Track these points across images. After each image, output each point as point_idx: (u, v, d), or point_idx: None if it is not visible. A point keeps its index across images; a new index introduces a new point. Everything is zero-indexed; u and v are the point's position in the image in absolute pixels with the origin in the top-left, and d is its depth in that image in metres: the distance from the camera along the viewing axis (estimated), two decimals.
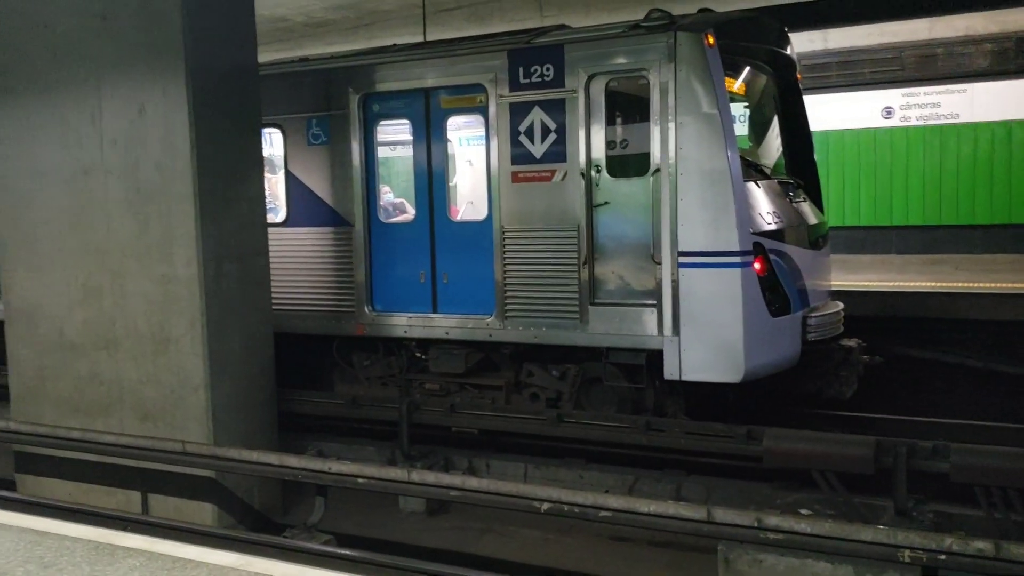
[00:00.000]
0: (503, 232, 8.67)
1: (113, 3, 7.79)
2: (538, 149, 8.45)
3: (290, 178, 9.78)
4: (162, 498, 8.14)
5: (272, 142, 9.97)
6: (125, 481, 8.21)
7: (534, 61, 8.41)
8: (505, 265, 8.69)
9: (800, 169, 9.58)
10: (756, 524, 5.73)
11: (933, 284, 12.20)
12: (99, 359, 8.26)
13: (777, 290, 8.13)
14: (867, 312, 10.62)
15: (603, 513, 6.21)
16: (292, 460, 7.28)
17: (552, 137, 8.37)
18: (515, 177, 8.58)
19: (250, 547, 6.20)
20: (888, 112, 16.86)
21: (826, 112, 16.29)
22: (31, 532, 5.01)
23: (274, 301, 8.75)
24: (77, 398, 8.43)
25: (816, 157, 9.85)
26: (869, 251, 16.85)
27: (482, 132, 8.91)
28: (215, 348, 7.82)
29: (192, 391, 7.84)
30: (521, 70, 8.47)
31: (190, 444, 7.54)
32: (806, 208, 9.18)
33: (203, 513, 7.95)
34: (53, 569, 4.47)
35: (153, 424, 8.03)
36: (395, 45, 10.51)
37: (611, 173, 8.27)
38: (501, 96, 8.58)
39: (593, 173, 8.27)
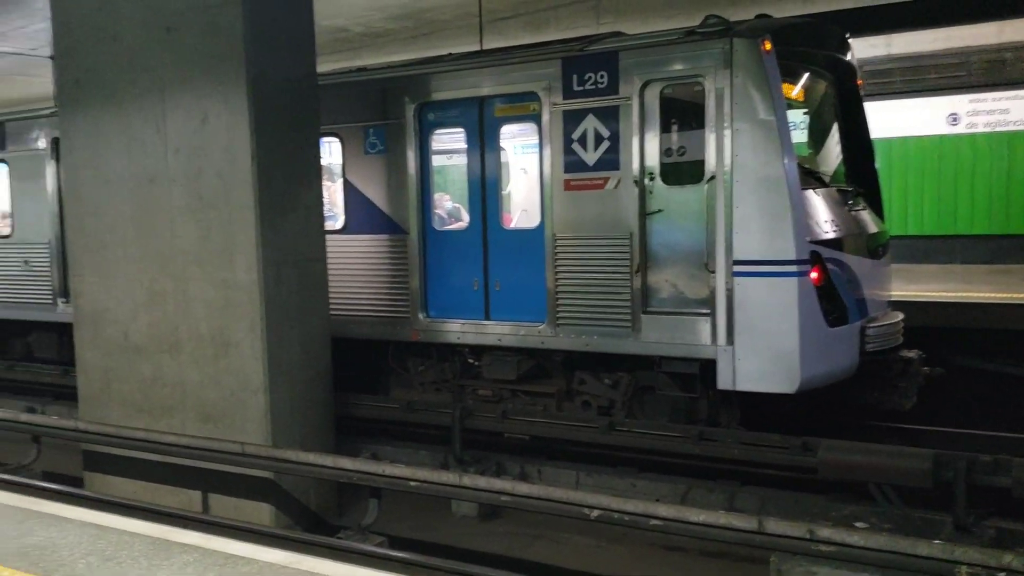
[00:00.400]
0: (555, 240, 8.70)
1: (178, 15, 7.99)
2: (591, 157, 8.47)
3: (348, 186, 9.94)
4: (222, 498, 8.31)
5: (331, 151, 10.15)
6: (187, 480, 8.40)
7: (588, 68, 8.43)
8: (557, 273, 8.71)
9: (860, 177, 9.43)
10: (808, 536, 5.67)
11: (997, 295, 11.90)
12: (162, 362, 8.47)
13: (834, 299, 8.02)
14: (928, 323, 10.40)
15: (653, 522, 6.21)
16: (346, 462, 7.40)
17: (605, 144, 8.38)
18: (568, 185, 8.60)
19: (303, 546, 6.31)
20: (954, 119, 16.49)
21: (889, 119, 16.00)
22: (93, 526, 5.19)
23: (332, 307, 8.88)
24: (141, 399, 8.64)
25: (878, 165, 9.69)
26: (933, 260, 16.50)
27: (535, 140, 8.94)
28: (274, 352, 7.97)
29: (251, 394, 8.00)
30: (575, 78, 8.49)
31: (249, 445, 7.71)
32: (866, 216, 9.04)
33: (261, 513, 8.10)
34: (113, 562, 4.64)
35: (214, 425, 8.20)
36: (450, 54, 10.63)
37: (665, 180, 8.24)
38: (554, 104, 8.61)
39: (646, 180, 8.26)
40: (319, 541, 6.98)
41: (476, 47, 13.48)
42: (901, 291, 10.98)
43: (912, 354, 8.53)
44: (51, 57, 16.93)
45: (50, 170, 12.18)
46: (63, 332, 12.30)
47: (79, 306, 9.02)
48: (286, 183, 8.11)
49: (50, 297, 12.32)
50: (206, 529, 6.03)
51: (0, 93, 21.20)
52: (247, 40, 7.70)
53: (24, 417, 9.67)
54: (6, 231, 13.00)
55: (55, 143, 12.06)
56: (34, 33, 15.34)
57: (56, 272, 12.19)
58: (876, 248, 8.97)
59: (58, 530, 5.19)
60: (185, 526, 6.06)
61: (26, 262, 12.50)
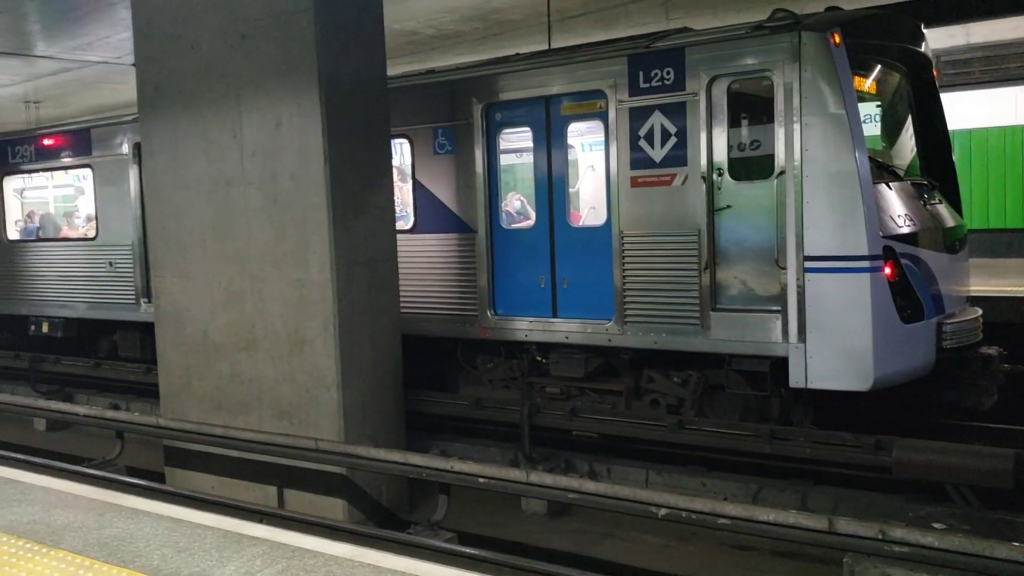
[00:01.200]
0: (622, 237, 8.69)
1: (252, 23, 8.18)
2: (658, 153, 8.44)
3: (417, 186, 10.08)
4: (297, 493, 8.49)
5: (401, 152, 10.30)
6: (263, 476, 8.60)
7: (654, 65, 8.41)
8: (624, 270, 8.70)
9: (937, 170, 9.22)
10: (880, 536, 5.57)
11: None
12: (240, 359, 8.68)
13: (909, 295, 7.86)
14: (1010, 319, 10.10)
15: (721, 520, 6.16)
16: (416, 458, 7.51)
17: (672, 141, 8.34)
18: (634, 182, 8.58)
19: (370, 541, 6.43)
20: None
21: (968, 110, 15.54)
22: (168, 519, 5.39)
23: (402, 305, 9.02)
24: (219, 396, 8.87)
25: (956, 157, 9.45)
26: (1016, 254, 15.97)
27: (602, 137, 8.95)
28: (346, 349, 8.12)
29: (325, 390, 8.16)
30: (641, 74, 8.48)
31: (322, 441, 7.87)
32: (942, 210, 8.83)
33: (335, 509, 8.25)
34: (186, 554, 4.81)
35: (289, 422, 8.38)
36: (517, 54, 10.68)
37: (733, 176, 8.17)
38: (621, 101, 8.60)
39: (715, 176, 8.20)
40: (387, 536, 7.11)
41: (545, 45, 13.51)
42: (981, 286, 10.67)
43: (992, 351, 8.31)
44: (133, 65, 17.52)
45: (132, 174, 12.59)
46: (145, 331, 12.73)
47: (160, 306, 9.28)
48: (358, 184, 8.25)
49: (133, 297, 12.74)
50: (276, 523, 6.21)
51: (87, 100, 21.95)
52: (319, 45, 7.85)
53: (109, 414, 10.01)
54: (91, 234, 13.49)
55: (137, 148, 12.45)
56: (118, 43, 15.81)
57: (139, 273, 12.59)
58: (953, 242, 8.76)
59: (135, 522, 5.39)
60: (260, 520, 6.26)
61: (111, 264, 12.95)
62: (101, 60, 17.35)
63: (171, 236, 9.12)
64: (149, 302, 12.34)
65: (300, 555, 4.68)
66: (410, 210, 10.22)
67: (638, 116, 8.50)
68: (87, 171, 13.44)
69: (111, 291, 13.01)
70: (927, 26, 9.29)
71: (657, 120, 8.40)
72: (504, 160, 9.87)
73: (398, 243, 8.90)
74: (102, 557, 4.78)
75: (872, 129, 9.24)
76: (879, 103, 9.32)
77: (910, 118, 9.21)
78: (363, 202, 8.33)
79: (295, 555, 4.68)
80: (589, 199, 10.21)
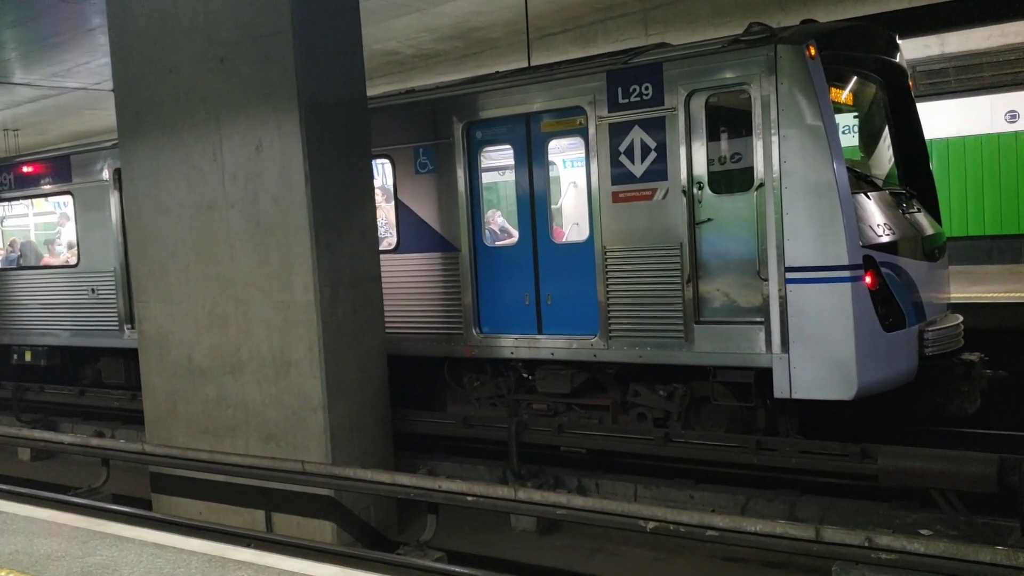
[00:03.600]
0: (605, 252, 8.72)
1: (231, 46, 8.19)
2: (638, 168, 8.48)
3: (400, 206, 10.09)
4: (285, 516, 8.45)
5: (383, 172, 10.32)
6: (251, 500, 8.56)
7: (632, 81, 8.46)
8: (608, 285, 8.73)
9: (915, 179, 9.31)
10: (867, 544, 5.61)
11: None
12: (225, 383, 8.64)
13: (890, 304, 7.92)
14: (991, 325, 10.19)
15: (709, 532, 6.19)
16: (404, 478, 7.50)
17: (652, 156, 8.39)
18: (616, 197, 8.62)
19: (358, 562, 6.41)
20: (1012, 116, 16.11)
21: (944, 119, 15.72)
22: (152, 545, 5.37)
23: (387, 325, 9.01)
24: (206, 420, 8.82)
25: (934, 165, 9.54)
26: (996, 261, 16.11)
27: (582, 154, 8.99)
28: (332, 370, 8.10)
29: (311, 412, 8.13)
30: (620, 90, 8.53)
31: (308, 464, 7.84)
32: (921, 219, 8.91)
33: (323, 531, 8.22)
34: None
35: (276, 444, 8.35)
36: (496, 72, 10.74)
37: (714, 189, 8.23)
38: (600, 117, 8.65)
39: (695, 190, 8.25)
40: (376, 557, 7.08)
41: (525, 62, 13.60)
42: (961, 293, 10.76)
43: (974, 357, 8.36)
44: (113, 90, 17.52)
45: (114, 200, 12.56)
46: (130, 358, 12.63)
47: (143, 331, 9.24)
48: (340, 205, 8.27)
49: (117, 324, 12.67)
50: (262, 547, 6.18)
51: (67, 127, 21.95)
52: (298, 67, 7.87)
53: (94, 442, 9.95)
54: (73, 261, 13.43)
55: (117, 174, 12.42)
56: (97, 68, 15.88)
57: (122, 299, 12.53)
58: (932, 250, 8.83)
59: (119, 550, 5.36)
60: (248, 544, 6.22)
61: (93, 290, 12.89)
62: (80, 86, 17.40)
63: (153, 261, 9.09)
64: (133, 328, 12.23)
65: None
66: (393, 230, 10.22)
67: (618, 132, 8.56)
68: (68, 198, 13.40)
69: (94, 318, 12.94)
70: (901, 37, 9.40)
71: (637, 135, 8.45)
72: (486, 178, 9.92)
73: (382, 263, 8.90)
74: None
75: (850, 140, 9.33)
76: (856, 114, 9.42)
77: (887, 128, 9.30)
78: (346, 223, 8.33)
79: None
80: (571, 215, 10.25)
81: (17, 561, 5.25)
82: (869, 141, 9.48)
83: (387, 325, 9.03)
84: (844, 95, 8.84)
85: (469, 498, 7.12)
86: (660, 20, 14.24)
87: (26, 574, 5.02)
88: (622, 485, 8.74)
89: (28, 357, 14.00)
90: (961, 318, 8.74)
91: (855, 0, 12.95)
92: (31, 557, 5.32)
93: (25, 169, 13.88)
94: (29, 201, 14.49)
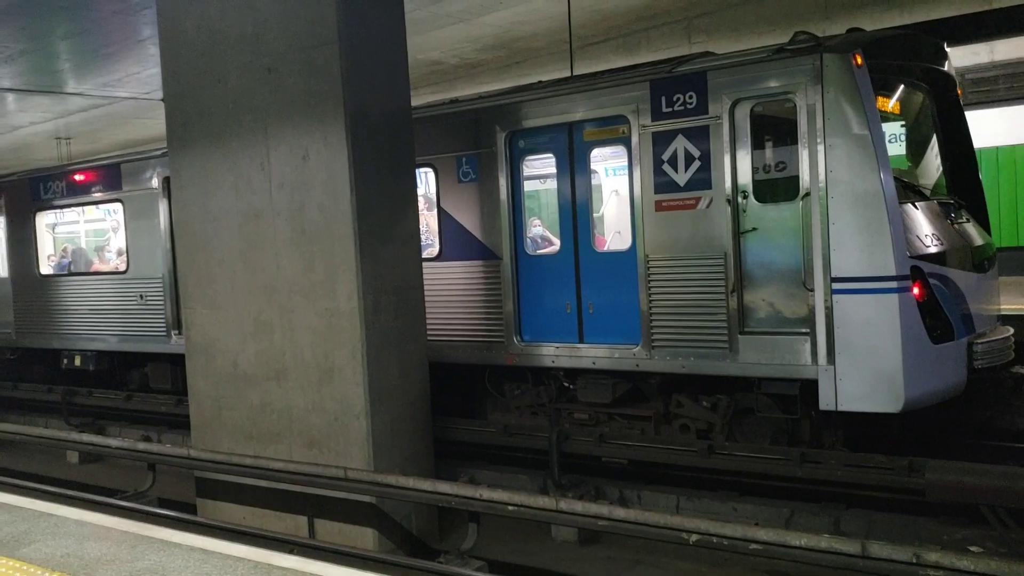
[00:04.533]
0: (648, 261, 8.69)
1: (278, 56, 8.31)
2: (682, 177, 8.45)
3: (442, 214, 10.15)
4: (327, 523, 8.50)
5: (426, 180, 10.39)
6: (294, 506, 8.62)
7: (676, 90, 8.44)
8: (651, 294, 8.70)
9: (963, 188, 9.17)
10: (914, 560, 5.51)
11: None
12: (270, 389, 8.73)
13: (938, 315, 7.80)
14: None
15: (753, 546, 6.12)
16: (445, 487, 7.51)
17: (696, 164, 8.36)
18: (659, 206, 8.60)
19: (403, 570, 6.43)
20: None
21: (993, 127, 15.44)
22: (200, 551, 5.42)
23: (428, 332, 9.05)
24: (250, 426, 8.92)
25: (983, 175, 9.39)
26: None
27: (625, 162, 8.98)
28: (374, 377, 8.15)
29: (354, 418, 8.19)
30: (663, 99, 8.51)
31: (351, 470, 7.89)
32: (970, 229, 8.77)
33: (364, 538, 8.25)
34: None
35: (319, 450, 8.42)
36: (539, 82, 10.77)
37: (758, 198, 8.17)
38: (643, 126, 8.64)
39: (739, 199, 8.20)
40: (418, 565, 7.10)
41: (567, 72, 13.62)
42: (1012, 305, 10.56)
43: None
44: (163, 100, 17.83)
45: (162, 208, 12.78)
46: (176, 363, 12.86)
47: (190, 337, 9.36)
48: (384, 213, 8.33)
49: (164, 330, 12.87)
50: (306, 553, 6.22)
51: (117, 136, 22.38)
52: (344, 78, 7.95)
53: (140, 446, 10.08)
54: (122, 267, 13.68)
55: (166, 182, 12.64)
56: (147, 78, 16.16)
57: (169, 306, 12.73)
58: (981, 261, 8.69)
59: (167, 555, 5.43)
60: (291, 551, 6.27)
61: (141, 296, 13.11)
62: (131, 96, 17.72)
63: (201, 268, 9.21)
64: (180, 334, 12.45)
65: None
66: (435, 238, 10.28)
67: (661, 140, 8.53)
68: (118, 205, 13.65)
69: (142, 324, 13.16)
70: (950, 45, 9.27)
71: (680, 144, 8.43)
72: (528, 187, 9.94)
73: (424, 271, 8.96)
74: None
75: (897, 149, 9.21)
76: (903, 123, 9.30)
77: (935, 137, 9.18)
78: (390, 231, 8.40)
79: None
80: (614, 224, 10.23)
81: (68, 564, 5.34)
82: (916, 150, 9.35)
83: (428, 333, 9.07)
84: (891, 104, 8.74)
85: (510, 508, 7.12)
86: (703, 29, 14.19)
87: None
88: (664, 497, 8.68)
89: (78, 362, 14.27)
90: (1011, 330, 8.57)
91: (902, 8, 12.80)
92: (82, 560, 5.41)
93: (77, 177, 14.17)
94: (80, 208, 14.79)
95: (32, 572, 5.23)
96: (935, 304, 7.77)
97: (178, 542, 5.65)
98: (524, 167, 9.69)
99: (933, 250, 7.89)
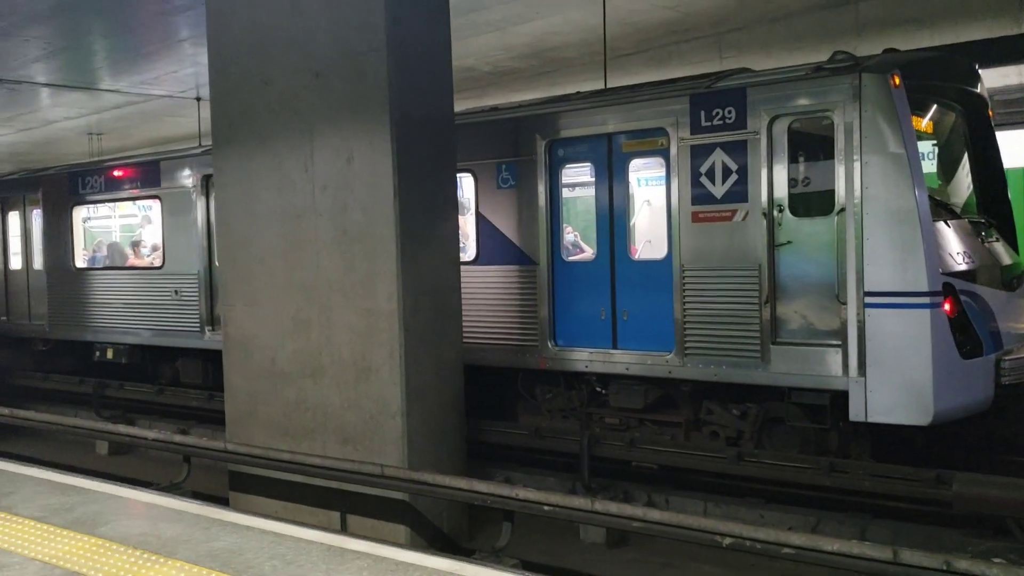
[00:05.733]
0: (683, 270, 8.85)
1: (327, 62, 8.47)
2: (719, 189, 8.62)
3: (480, 219, 10.33)
4: (359, 519, 8.61)
5: (463, 186, 10.57)
6: (327, 501, 8.75)
7: (716, 104, 8.62)
8: (685, 303, 8.85)
9: (994, 208, 9.32)
10: (944, 567, 5.62)
11: None
12: (306, 386, 8.87)
13: (968, 331, 7.94)
14: None
15: (786, 550, 6.23)
16: (481, 485, 7.65)
17: (733, 177, 8.53)
18: (696, 217, 8.77)
19: (468, 557, 6.56)
20: None
21: (1021, 148, 15.52)
22: (272, 534, 5.63)
23: (464, 335, 9.21)
24: (285, 422, 9.05)
25: (1012, 195, 9.53)
26: None
27: (662, 173, 9.15)
28: (411, 377, 8.29)
29: (390, 417, 8.33)
30: (703, 113, 8.69)
31: (388, 467, 8.03)
32: (999, 248, 8.92)
33: (397, 534, 8.37)
34: (294, 565, 5.04)
35: (352, 448, 8.55)
36: (578, 93, 10.94)
37: (794, 212, 8.33)
38: (682, 139, 8.81)
39: (775, 212, 8.36)
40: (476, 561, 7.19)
41: (598, 82, 13.77)
42: None
43: None
44: (197, 99, 18.09)
45: (200, 205, 12.99)
46: (208, 359, 13.06)
47: (228, 333, 9.51)
48: (425, 217, 8.50)
49: (198, 325, 13.06)
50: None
51: (149, 133, 22.63)
52: (391, 84, 8.12)
53: (177, 438, 10.22)
54: (158, 263, 13.90)
55: (205, 180, 12.86)
56: (184, 77, 16.39)
57: (204, 301, 12.93)
58: (1010, 280, 8.83)
59: (240, 536, 5.64)
60: None
61: (176, 292, 13.32)
62: (166, 94, 17.95)
63: (241, 265, 9.35)
64: (213, 330, 12.66)
65: (404, 568, 4.89)
66: (472, 242, 10.46)
67: (700, 153, 8.71)
68: (155, 202, 13.88)
69: (176, 319, 13.36)
70: (979, 66, 9.43)
71: (718, 157, 8.60)
72: (566, 194, 10.11)
73: (461, 274, 9.10)
74: (216, 567, 5.02)
75: (929, 167, 9.36)
76: (936, 142, 9.45)
77: (966, 156, 9.33)
78: (430, 234, 8.55)
79: (399, 568, 4.89)
80: (650, 233, 10.37)
81: (147, 543, 5.54)
82: (948, 169, 9.50)
83: (463, 335, 9.22)
84: (924, 123, 8.91)
85: (546, 507, 7.24)
86: (734, 44, 14.33)
87: (159, 554, 5.30)
88: (691, 502, 8.82)
89: (110, 355, 14.48)
90: None
91: (932, 29, 12.92)
92: (159, 539, 5.61)
93: (116, 173, 14.42)
94: (118, 204, 15.03)
95: (114, 548, 5.41)
96: (965, 320, 7.91)
97: (249, 525, 5.84)
98: (563, 175, 9.87)
99: (964, 267, 8.04)
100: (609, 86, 11.86)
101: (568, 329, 9.74)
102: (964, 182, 9.36)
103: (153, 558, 5.26)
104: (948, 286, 7.77)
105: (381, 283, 8.32)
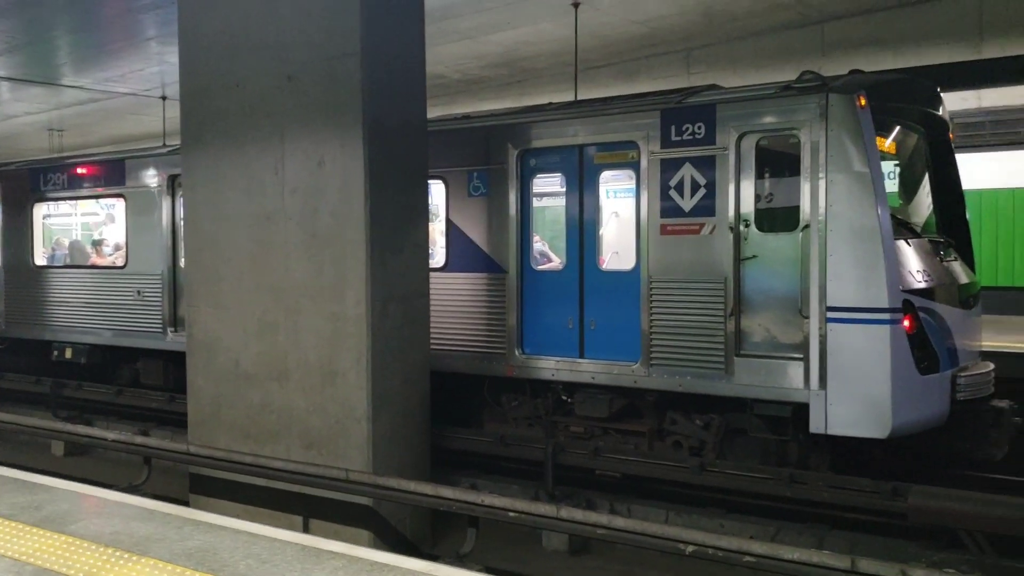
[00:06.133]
0: (651, 282, 8.97)
1: (299, 64, 8.44)
2: (687, 203, 8.76)
3: (450, 226, 10.37)
4: (322, 523, 8.58)
5: (434, 192, 10.59)
6: (289, 505, 8.71)
7: (686, 120, 8.76)
8: (652, 314, 8.97)
9: (951, 228, 9.55)
10: None
11: None
12: (271, 389, 8.81)
13: (926, 348, 8.14)
14: (1020, 374, 10.37)
15: (747, 558, 6.34)
16: (447, 491, 7.67)
17: (701, 192, 8.67)
18: (664, 229, 8.90)
19: (439, 560, 6.56)
20: None
21: (979, 171, 15.94)
22: (246, 534, 5.60)
23: (432, 341, 9.21)
24: (248, 425, 8.98)
25: (968, 216, 9.79)
26: None
27: (632, 185, 9.28)
28: (377, 382, 8.28)
29: (355, 422, 8.30)
30: (673, 128, 8.83)
31: (353, 472, 8.03)
32: (957, 267, 9.14)
33: (360, 539, 8.28)
34: (269, 565, 5.03)
35: (316, 452, 8.51)
36: (551, 104, 11.04)
37: (759, 227, 8.49)
38: (653, 152, 8.94)
39: (741, 227, 8.51)
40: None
41: (568, 94, 13.91)
42: (992, 342, 10.94)
43: (1004, 404, 8.56)
44: (162, 97, 17.94)
45: (165, 205, 12.87)
46: (170, 360, 12.92)
47: (193, 335, 9.41)
48: (396, 222, 8.50)
49: (160, 326, 12.93)
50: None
51: (111, 130, 22.39)
52: (364, 89, 8.11)
53: (138, 440, 10.09)
54: (120, 262, 13.73)
55: (171, 180, 12.74)
56: (149, 76, 16.28)
57: (167, 302, 12.80)
58: (967, 298, 9.06)
59: (214, 535, 5.61)
60: None
61: (139, 292, 13.17)
62: (130, 92, 17.79)
63: (207, 267, 9.27)
64: (176, 331, 12.54)
65: (379, 569, 4.90)
66: (441, 249, 10.49)
67: (669, 167, 8.85)
68: (119, 201, 13.72)
69: (138, 319, 13.21)
70: (941, 91, 9.67)
71: (687, 171, 8.74)
72: (536, 203, 10.19)
73: (430, 281, 9.13)
74: (191, 566, 5.00)
75: (891, 187, 9.58)
76: (898, 162, 9.68)
77: (927, 177, 9.56)
78: (400, 240, 8.55)
79: (374, 568, 4.90)
80: (618, 244, 10.50)
81: (120, 541, 5.48)
82: (909, 189, 9.72)
83: (431, 341, 9.21)
84: (888, 143, 9.12)
85: (511, 514, 7.29)
86: (703, 60, 14.56)
87: (132, 552, 5.26)
88: (654, 511, 8.89)
89: (69, 354, 14.26)
90: (992, 365, 8.93)
91: (896, 51, 13.24)
92: (132, 538, 5.55)
93: (79, 170, 14.22)
94: (80, 201, 14.83)
95: (86, 546, 5.36)
96: (923, 337, 8.11)
97: (223, 525, 5.81)
98: (534, 184, 9.95)
99: (923, 285, 8.24)
100: (579, 98, 11.99)
101: (535, 337, 9.81)
102: (925, 202, 9.60)
103: (126, 556, 5.22)
104: (908, 303, 7.96)
105: (350, 288, 8.30)
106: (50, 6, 12.74)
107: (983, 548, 7.24)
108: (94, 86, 17.49)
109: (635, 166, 9.11)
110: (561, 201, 9.89)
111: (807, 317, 8.11)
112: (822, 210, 8.02)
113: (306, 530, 8.68)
